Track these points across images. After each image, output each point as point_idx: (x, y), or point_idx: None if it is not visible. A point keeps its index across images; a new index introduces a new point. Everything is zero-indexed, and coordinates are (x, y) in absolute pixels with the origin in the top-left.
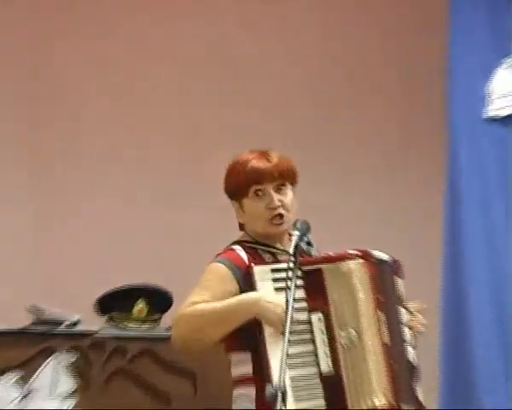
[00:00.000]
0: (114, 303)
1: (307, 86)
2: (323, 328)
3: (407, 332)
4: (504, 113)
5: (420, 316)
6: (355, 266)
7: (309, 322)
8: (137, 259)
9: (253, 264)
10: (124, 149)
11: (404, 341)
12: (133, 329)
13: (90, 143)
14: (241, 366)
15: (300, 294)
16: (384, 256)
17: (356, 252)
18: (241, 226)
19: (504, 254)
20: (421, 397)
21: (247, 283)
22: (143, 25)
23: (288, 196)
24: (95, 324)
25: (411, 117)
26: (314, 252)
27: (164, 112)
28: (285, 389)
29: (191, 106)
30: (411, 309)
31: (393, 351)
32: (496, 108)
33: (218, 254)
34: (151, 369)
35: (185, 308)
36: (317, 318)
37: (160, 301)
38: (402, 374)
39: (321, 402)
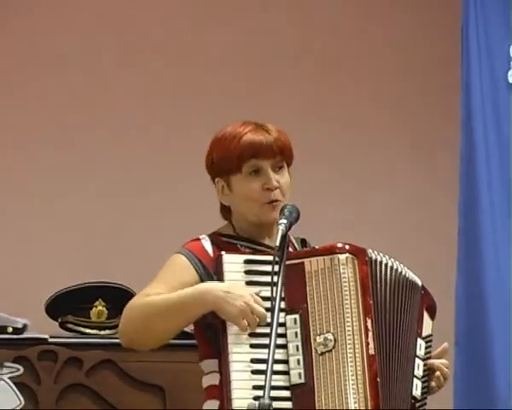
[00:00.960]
0: (68, 305)
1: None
2: (299, 331)
3: (419, 365)
4: None
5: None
6: (343, 263)
7: (284, 324)
8: (95, 254)
9: (224, 252)
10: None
11: (410, 371)
12: (91, 335)
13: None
14: (210, 374)
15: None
16: (402, 269)
17: (346, 246)
18: (224, 211)
19: None
20: None
21: (215, 274)
22: None
23: (286, 178)
24: (45, 330)
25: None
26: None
27: None
28: (270, 408)
29: None
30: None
31: (385, 368)
32: None
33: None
34: (112, 383)
35: (136, 300)
36: (292, 319)
37: (121, 302)
38: (391, 396)
39: None
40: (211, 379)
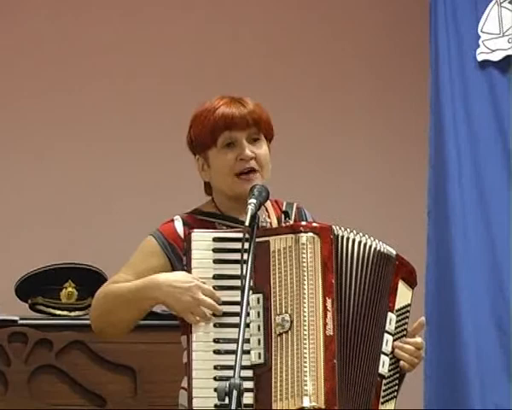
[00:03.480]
0: (38, 287)
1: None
2: (261, 311)
3: (388, 340)
4: (497, 57)
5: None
6: (306, 241)
7: (248, 303)
8: (66, 236)
9: (193, 230)
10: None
11: (377, 347)
12: (61, 316)
13: None
14: (185, 351)
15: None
16: (375, 244)
17: (311, 224)
18: (207, 188)
19: (501, 223)
20: None
21: (184, 253)
22: None
23: (263, 150)
24: (14, 311)
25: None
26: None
27: None
28: (241, 388)
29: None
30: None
31: (345, 349)
32: (487, 51)
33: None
34: (82, 364)
35: (103, 288)
36: (256, 298)
37: (91, 283)
38: (352, 378)
39: (249, 395)
40: (186, 356)
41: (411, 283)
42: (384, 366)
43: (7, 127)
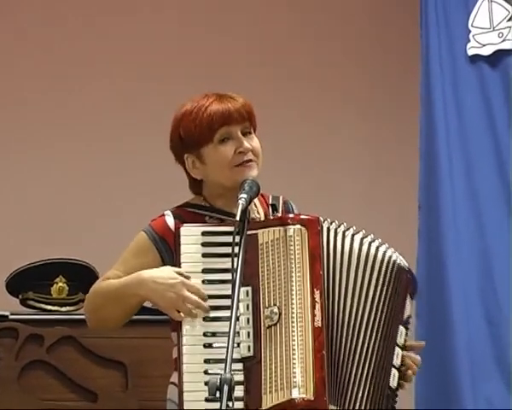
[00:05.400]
0: (29, 282)
1: None
2: (250, 304)
3: (398, 354)
4: (487, 51)
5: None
6: (293, 234)
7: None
8: (57, 230)
9: (182, 224)
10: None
11: (390, 360)
12: (52, 312)
13: None
14: (175, 347)
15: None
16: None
17: (299, 217)
18: (194, 186)
19: (492, 216)
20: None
21: (174, 248)
22: None
23: (256, 142)
24: (5, 306)
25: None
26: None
27: None
28: (232, 382)
29: None
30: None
31: (335, 339)
32: (477, 45)
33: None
34: (73, 359)
35: (95, 284)
36: (245, 291)
37: (82, 278)
38: (338, 367)
39: (239, 388)
40: (176, 351)
41: (414, 294)
42: (394, 379)
43: (5, 124)
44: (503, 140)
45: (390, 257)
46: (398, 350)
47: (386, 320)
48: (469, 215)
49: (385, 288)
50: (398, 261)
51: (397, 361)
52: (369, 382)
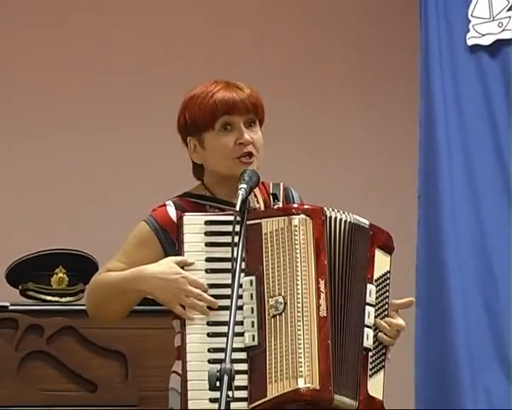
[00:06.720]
0: (29, 273)
1: None
2: (254, 293)
3: (370, 312)
4: (487, 41)
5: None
6: (298, 224)
7: (241, 286)
8: (57, 220)
9: (184, 213)
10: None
11: (360, 321)
12: (51, 302)
13: None
14: (178, 335)
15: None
16: (351, 218)
17: (303, 207)
18: (196, 171)
19: (491, 205)
20: (374, 388)
21: (177, 237)
22: None
23: (259, 135)
24: (5, 297)
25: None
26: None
27: None
28: (232, 372)
29: None
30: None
31: (337, 329)
32: (477, 35)
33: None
34: (73, 349)
35: (96, 276)
36: (248, 281)
37: (82, 268)
38: (343, 357)
39: (243, 377)
40: (178, 340)
41: (388, 248)
42: (368, 338)
43: (5, 115)
44: (503, 130)
45: (353, 224)
46: (369, 309)
47: (356, 283)
48: (469, 205)
49: (355, 253)
50: (356, 222)
51: (369, 320)
52: (348, 348)
